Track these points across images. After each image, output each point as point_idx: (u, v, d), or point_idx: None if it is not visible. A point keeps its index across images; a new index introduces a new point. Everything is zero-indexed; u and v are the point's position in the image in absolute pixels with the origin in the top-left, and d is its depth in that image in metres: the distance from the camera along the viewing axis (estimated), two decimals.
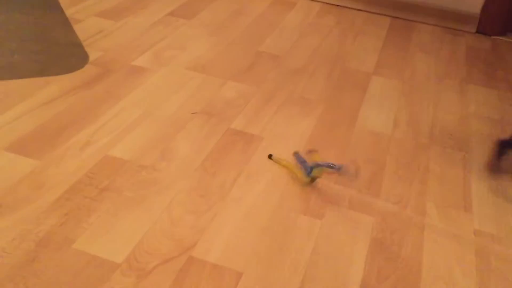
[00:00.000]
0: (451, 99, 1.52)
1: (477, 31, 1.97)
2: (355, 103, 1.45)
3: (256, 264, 0.92)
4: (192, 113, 1.32)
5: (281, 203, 1.06)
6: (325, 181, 1.13)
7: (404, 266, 0.95)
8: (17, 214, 0.95)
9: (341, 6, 2.10)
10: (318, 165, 1.09)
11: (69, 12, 1.77)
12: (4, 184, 1.02)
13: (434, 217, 1.07)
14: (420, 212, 1.08)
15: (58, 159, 1.10)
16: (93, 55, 1.53)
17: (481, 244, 1.01)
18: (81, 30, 1.66)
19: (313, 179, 1.11)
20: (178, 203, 1.03)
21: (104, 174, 1.08)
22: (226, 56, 1.62)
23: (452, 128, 1.38)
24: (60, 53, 1.51)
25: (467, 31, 1.98)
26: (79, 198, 1.01)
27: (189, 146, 1.20)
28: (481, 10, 1.94)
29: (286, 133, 1.29)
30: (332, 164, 1.08)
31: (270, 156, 1.16)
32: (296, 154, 1.15)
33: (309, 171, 1.09)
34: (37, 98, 1.30)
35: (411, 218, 1.06)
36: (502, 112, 1.47)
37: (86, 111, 1.27)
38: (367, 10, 2.08)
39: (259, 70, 1.57)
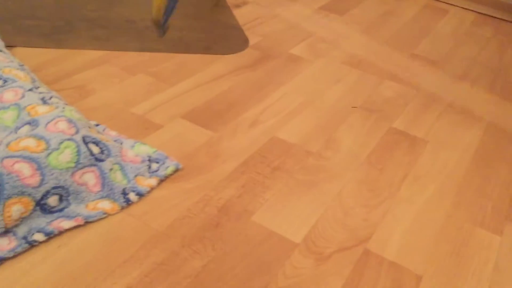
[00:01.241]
0: None
1: None
2: None
3: (435, 270, 0.87)
4: (353, 107, 1.30)
5: (454, 211, 1.01)
6: (497, 197, 1.06)
7: None
8: (198, 178, 0.99)
9: (497, 18, 1.97)
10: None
11: None
12: (185, 149, 1.06)
13: None
14: None
15: (230, 133, 1.13)
16: (252, 39, 1.56)
17: None
18: (240, 15, 1.70)
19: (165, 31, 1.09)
20: (348, 193, 1.01)
21: (274, 154, 1.09)
22: (380, 55, 1.58)
23: None
24: (223, 34, 1.56)
25: None
26: (253, 173, 1.02)
27: (352, 139, 1.18)
28: None
29: (452, 140, 1.23)
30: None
31: None
32: None
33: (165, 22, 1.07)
34: (206, 73, 1.35)
35: None
36: None
37: (250, 91, 1.30)
38: None
39: (416, 73, 1.51)
